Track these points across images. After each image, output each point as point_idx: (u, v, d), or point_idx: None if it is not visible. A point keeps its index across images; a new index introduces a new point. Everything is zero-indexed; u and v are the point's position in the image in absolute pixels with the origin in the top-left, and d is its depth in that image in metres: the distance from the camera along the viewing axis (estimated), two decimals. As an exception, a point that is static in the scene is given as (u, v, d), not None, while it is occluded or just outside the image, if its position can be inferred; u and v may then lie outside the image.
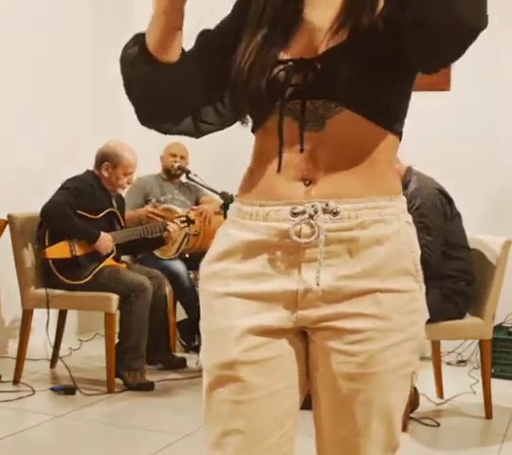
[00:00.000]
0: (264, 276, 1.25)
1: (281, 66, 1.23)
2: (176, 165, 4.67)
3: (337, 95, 1.21)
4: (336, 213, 1.22)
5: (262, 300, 1.25)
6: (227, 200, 4.31)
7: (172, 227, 4.17)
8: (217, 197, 4.48)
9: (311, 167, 1.23)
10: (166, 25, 1.21)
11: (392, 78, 1.22)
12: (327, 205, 1.22)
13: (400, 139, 1.30)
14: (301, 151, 1.23)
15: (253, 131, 1.30)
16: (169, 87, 1.25)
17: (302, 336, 1.29)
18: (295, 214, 1.22)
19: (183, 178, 4.83)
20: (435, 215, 3.23)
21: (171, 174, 4.79)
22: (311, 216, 1.21)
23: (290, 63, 1.22)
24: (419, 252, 1.30)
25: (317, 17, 1.27)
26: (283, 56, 1.24)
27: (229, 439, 1.26)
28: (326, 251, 1.22)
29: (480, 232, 3.59)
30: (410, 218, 1.30)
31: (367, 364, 1.22)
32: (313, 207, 1.21)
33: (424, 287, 1.30)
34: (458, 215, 3.36)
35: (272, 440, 1.27)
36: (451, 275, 3.28)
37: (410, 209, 3.42)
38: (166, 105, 1.29)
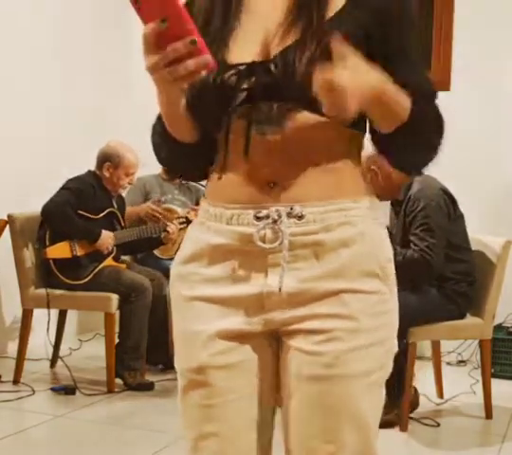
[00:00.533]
0: (229, 280, 1.25)
1: (232, 71, 1.21)
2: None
3: (291, 96, 1.18)
4: (301, 217, 1.21)
5: (228, 305, 1.25)
6: (226, 200, 4.31)
7: (171, 228, 4.17)
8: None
9: (274, 169, 1.21)
10: (171, 113, 1.24)
11: None
12: (292, 209, 1.20)
13: (364, 136, 1.28)
14: (246, 153, 1.21)
15: (215, 134, 1.28)
16: (191, 160, 1.32)
17: (273, 340, 1.28)
18: (259, 218, 1.21)
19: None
20: (439, 216, 3.21)
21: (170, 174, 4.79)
22: (275, 221, 1.20)
23: (241, 67, 1.21)
24: (390, 253, 1.28)
25: (263, 18, 1.25)
26: (234, 60, 1.22)
27: (205, 443, 1.28)
28: (292, 255, 1.21)
29: (480, 232, 3.59)
30: (379, 220, 1.28)
31: (333, 365, 1.20)
32: (277, 211, 1.20)
33: (395, 291, 1.28)
34: (461, 217, 3.34)
35: (246, 441, 1.27)
36: (453, 277, 3.27)
37: (413, 211, 3.40)
38: (190, 171, 1.38)
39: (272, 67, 1.19)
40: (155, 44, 1.06)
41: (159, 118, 1.30)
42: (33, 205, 3.83)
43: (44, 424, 3.27)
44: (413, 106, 1.18)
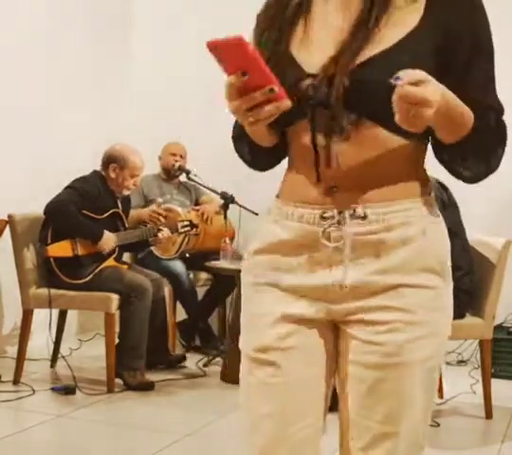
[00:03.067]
0: (298, 271, 1.35)
1: (308, 80, 1.29)
2: (177, 165, 4.67)
3: (362, 109, 1.27)
4: (364, 218, 1.30)
5: (295, 292, 1.35)
6: (227, 200, 4.32)
7: (163, 234, 4.15)
8: (217, 197, 4.50)
9: (337, 174, 1.30)
10: (252, 133, 1.36)
11: None
12: (354, 211, 1.30)
13: (427, 144, 1.36)
14: (329, 165, 1.30)
15: (285, 138, 1.39)
16: (270, 160, 1.47)
17: (333, 329, 1.37)
18: (324, 219, 1.31)
19: (182, 178, 4.83)
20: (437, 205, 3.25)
21: (170, 174, 4.80)
22: (339, 222, 1.30)
23: (317, 78, 1.28)
24: (447, 250, 1.36)
25: (336, 30, 1.31)
26: (310, 69, 1.30)
27: (263, 423, 1.36)
28: (355, 252, 1.30)
29: (480, 232, 3.59)
30: (437, 219, 1.37)
31: (393, 353, 1.29)
32: (341, 213, 1.30)
33: (451, 285, 1.36)
34: (455, 205, 3.37)
35: (300, 425, 1.35)
36: (457, 265, 3.28)
37: None
38: (267, 167, 1.51)
39: (344, 80, 1.26)
40: (237, 92, 1.17)
41: (238, 124, 1.42)
42: (33, 205, 3.83)
43: (44, 424, 3.27)
44: (477, 121, 1.25)
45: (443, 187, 3.33)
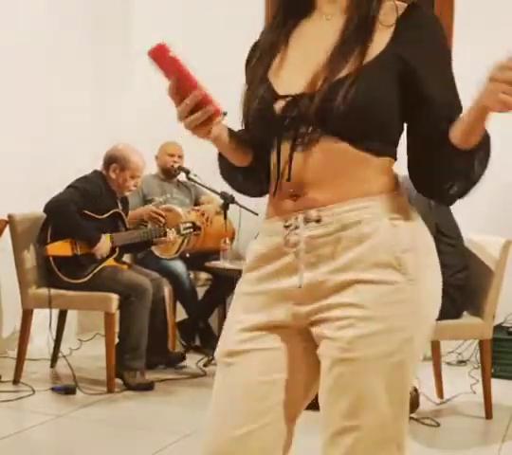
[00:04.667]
0: (272, 279, 1.42)
1: (280, 101, 1.37)
2: (177, 165, 4.67)
3: (324, 124, 1.33)
4: (318, 221, 1.34)
5: (268, 297, 1.41)
6: (227, 200, 4.32)
7: (170, 236, 4.16)
8: (217, 197, 4.50)
9: (297, 183, 1.37)
10: (220, 148, 1.46)
11: (378, 114, 1.34)
12: (308, 215, 1.35)
13: (394, 159, 1.42)
14: (289, 179, 1.37)
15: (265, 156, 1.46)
16: (249, 181, 1.54)
17: (304, 335, 1.41)
18: (286, 227, 1.38)
19: (181, 177, 4.83)
20: (420, 204, 3.27)
21: (169, 174, 4.79)
22: (297, 227, 1.37)
23: (289, 99, 1.36)
24: (407, 245, 1.35)
25: (311, 52, 1.39)
26: (283, 91, 1.38)
27: (211, 421, 1.43)
28: (315, 254, 1.35)
29: (480, 232, 3.59)
30: (400, 215, 1.37)
31: (346, 349, 1.32)
32: (296, 218, 1.36)
33: (419, 279, 1.35)
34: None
35: (250, 427, 1.38)
36: (445, 264, 3.29)
37: None
38: (257, 192, 1.57)
39: (313, 99, 1.33)
40: (176, 96, 1.27)
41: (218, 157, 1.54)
42: (33, 205, 3.83)
43: (44, 424, 3.27)
44: (488, 138, 1.38)
45: None
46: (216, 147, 1.45)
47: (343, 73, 1.32)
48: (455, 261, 3.34)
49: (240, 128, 1.49)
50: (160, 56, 1.25)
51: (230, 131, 1.44)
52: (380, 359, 1.31)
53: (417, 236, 1.38)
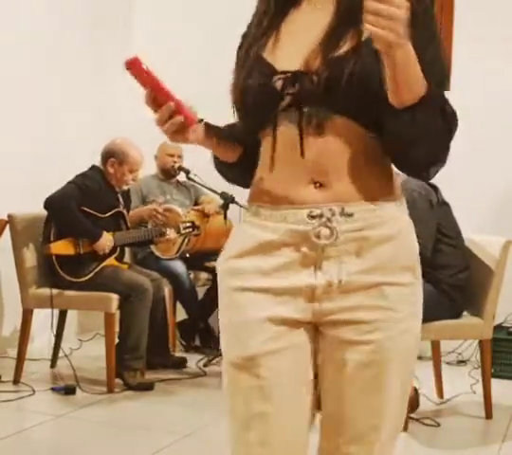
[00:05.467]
0: (282, 272, 1.35)
1: (279, 76, 1.34)
2: (177, 165, 4.67)
3: (331, 103, 1.31)
4: (350, 215, 1.32)
5: (280, 295, 1.35)
6: (227, 200, 4.31)
7: (170, 235, 4.16)
8: (217, 197, 4.49)
9: (317, 170, 1.33)
10: (207, 147, 1.45)
11: (380, 92, 1.29)
12: (343, 209, 1.32)
13: None
14: (302, 155, 1.32)
15: (257, 138, 1.41)
16: (240, 175, 1.49)
17: (314, 332, 1.39)
18: (312, 217, 1.33)
19: (180, 177, 4.83)
20: (423, 204, 3.28)
21: (169, 174, 4.79)
22: (329, 219, 1.32)
23: (288, 74, 1.33)
24: (418, 249, 1.42)
25: (307, 30, 1.38)
26: (280, 67, 1.35)
27: (255, 422, 1.37)
28: (342, 250, 1.33)
29: (480, 232, 3.59)
30: (408, 219, 1.42)
31: (376, 351, 1.34)
32: (330, 210, 1.32)
33: (421, 281, 1.42)
34: (446, 204, 3.38)
35: (293, 422, 1.38)
36: (448, 264, 3.30)
37: None
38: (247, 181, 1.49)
39: (315, 77, 1.31)
40: (152, 104, 1.34)
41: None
42: (34, 205, 3.83)
43: (44, 424, 3.27)
44: (432, 98, 1.25)
45: (431, 186, 3.36)
46: (202, 145, 1.45)
47: (342, 51, 1.32)
48: (456, 261, 3.34)
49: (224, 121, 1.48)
50: (135, 68, 1.32)
51: (215, 130, 1.43)
52: (402, 359, 1.37)
53: (416, 240, 1.43)
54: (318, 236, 1.32)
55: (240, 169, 1.47)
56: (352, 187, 1.33)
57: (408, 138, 1.28)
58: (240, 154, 1.47)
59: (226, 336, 1.42)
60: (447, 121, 1.29)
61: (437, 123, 1.27)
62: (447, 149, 1.32)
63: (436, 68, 1.31)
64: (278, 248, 1.35)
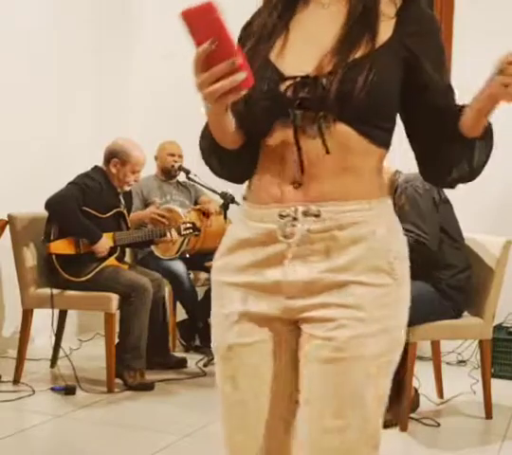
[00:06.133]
0: (253, 269, 1.41)
1: (287, 82, 1.34)
2: (177, 165, 4.67)
3: (340, 110, 1.32)
4: (317, 216, 1.35)
5: (252, 290, 1.41)
6: (227, 200, 4.31)
7: (171, 236, 4.16)
8: (217, 197, 4.49)
9: (300, 171, 1.35)
10: (217, 124, 1.37)
11: (389, 101, 1.36)
12: (308, 209, 1.35)
13: (388, 150, 1.42)
14: (301, 164, 1.34)
15: (259, 141, 1.41)
16: (238, 166, 1.46)
17: (293, 326, 1.42)
18: (282, 216, 1.37)
19: (180, 177, 4.83)
20: (426, 200, 3.29)
21: (169, 175, 4.79)
22: (294, 218, 1.36)
23: (297, 79, 1.34)
24: (401, 251, 1.40)
25: (317, 36, 1.38)
26: (289, 72, 1.35)
27: (233, 410, 1.45)
28: (310, 249, 1.36)
29: (480, 232, 3.59)
30: (392, 220, 1.41)
31: (340, 349, 1.34)
32: (296, 210, 1.35)
33: (407, 284, 1.41)
34: (448, 202, 3.38)
35: (270, 414, 1.43)
36: (450, 265, 3.30)
37: (402, 201, 3.50)
38: (240, 177, 1.50)
39: (324, 82, 1.31)
40: (204, 63, 1.19)
41: (208, 124, 1.42)
42: (33, 205, 3.84)
43: (44, 424, 3.27)
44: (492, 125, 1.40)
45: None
46: (214, 124, 1.37)
47: (356, 56, 1.32)
48: (457, 261, 3.34)
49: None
50: (201, 17, 1.15)
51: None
52: (372, 359, 1.34)
53: (403, 244, 1.42)
54: (284, 235, 1.36)
55: (238, 156, 1.43)
56: (326, 187, 1.35)
57: (463, 162, 1.40)
58: (242, 142, 1.42)
59: (212, 327, 1.50)
60: (491, 144, 1.42)
61: (491, 148, 1.43)
62: (482, 168, 1.44)
63: (451, 89, 1.43)
64: (253, 246, 1.40)
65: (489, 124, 1.38)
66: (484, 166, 1.42)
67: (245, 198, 1.46)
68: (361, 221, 1.35)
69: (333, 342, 1.34)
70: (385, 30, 1.36)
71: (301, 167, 1.34)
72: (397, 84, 1.35)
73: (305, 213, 1.35)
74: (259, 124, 1.38)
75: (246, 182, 1.47)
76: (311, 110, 1.32)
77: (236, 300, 1.42)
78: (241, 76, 1.17)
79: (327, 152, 1.33)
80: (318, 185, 1.35)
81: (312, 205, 1.34)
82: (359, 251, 1.35)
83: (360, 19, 1.36)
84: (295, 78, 1.34)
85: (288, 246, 1.36)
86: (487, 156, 1.42)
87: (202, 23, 1.16)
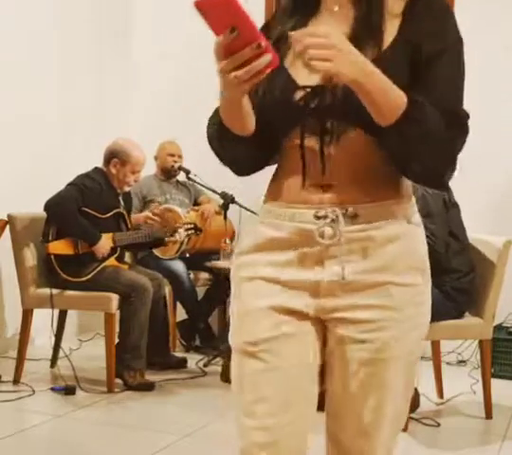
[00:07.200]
0: (289, 267, 1.41)
1: (300, 92, 1.37)
2: (177, 165, 4.67)
3: (350, 117, 1.34)
4: (354, 217, 1.37)
5: (286, 287, 1.41)
6: (226, 200, 4.32)
7: (179, 236, 4.17)
8: (217, 197, 4.50)
9: (328, 176, 1.38)
10: (231, 110, 1.37)
11: None
12: (347, 210, 1.37)
13: None
14: (323, 170, 1.37)
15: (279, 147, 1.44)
16: (248, 154, 1.46)
17: (321, 326, 1.43)
18: (318, 217, 1.38)
19: (180, 177, 4.83)
20: (437, 202, 3.28)
21: (169, 174, 4.79)
22: (333, 220, 1.37)
23: (308, 89, 1.36)
24: (426, 249, 1.43)
25: None
26: (301, 82, 1.37)
27: (258, 406, 1.40)
28: (346, 249, 1.37)
29: (480, 232, 3.59)
30: (418, 219, 1.44)
31: (381, 350, 1.37)
32: (334, 212, 1.37)
33: (430, 281, 1.45)
34: (456, 205, 3.38)
35: (296, 409, 1.40)
36: (455, 269, 3.30)
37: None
38: (248, 167, 1.50)
39: (335, 90, 1.33)
40: (226, 50, 1.18)
41: (217, 110, 1.42)
42: (33, 205, 3.83)
43: (44, 424, 3.27)
44: (416, 111, 1.28)
45: None
46: (228, 110, 1.36)
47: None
48: (462, 266, 3.33)
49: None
50: (216, 3, 1.12)
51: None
52: (406, 358, 1.40)
53: (425, 242, 1.45)
54: (322, 236, 1.37)
55: (248, 145, 1.43)
56: (358, 189, 1.37)
57: (403, 154, 1.32)
58: (253, 129, 1.41)
59: (233, 324, 1.46)
60: (447, 132, 1.30)
61: (430, 135, 1.29)
62: (450, 158, 1.35)
63: (450, 89, 1.35)
64: (286, 245, 1.41)
65: (409, 110, 1.28)
66: (432, 151, 1.31)
67: (268, 199, 1.47)
68: (394, 221, 1.38)
69: (373, 344, 1.37)
70: (392, 29, 1.35)
71: (323, 170, 1.37)
72: (406, 85, 1.32)
73: (344, 215, 1.36)
74: (275, 130, 1.41)
75: (269, 183, 1.48)
76: (325, 118, 1.35)
77: (267, 292, 1.41)
78: (267, 58, 1.16)
79: (340, 157, 1.35)
80: (347, 188, 1.37)
81: (348, 206, 1.37)
82: (395, 251, 1.37)
83: (366, 23, 1.36)
84: (307, 87, 1.36)
85: (326, 247, 1.38)
86: (423, 138, 1.29)
87: (218, 9, 1.13)
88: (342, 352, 1.40)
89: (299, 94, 1.37)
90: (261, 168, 1.50)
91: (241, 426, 1.42)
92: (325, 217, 1.37)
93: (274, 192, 1.46)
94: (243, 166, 1.50)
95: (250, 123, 1.39)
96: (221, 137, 1.44)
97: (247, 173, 1.52)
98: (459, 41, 1.38)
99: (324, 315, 1.40)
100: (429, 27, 1.34)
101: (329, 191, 1.38)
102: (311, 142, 1.38)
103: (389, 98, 1.26)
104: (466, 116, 1.34)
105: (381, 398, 1.40)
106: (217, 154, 1.49)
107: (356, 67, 1.21)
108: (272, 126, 1.41)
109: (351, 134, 1.35)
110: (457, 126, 1.32)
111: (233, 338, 1.45)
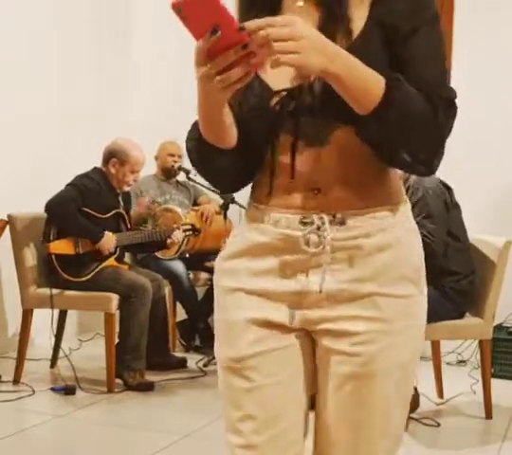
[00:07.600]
0: (272, 276, 1.33)
1: (276, 97, 1.28)
2: (177, 165, 4.67)
3: (333, 115, 1.26)
4: (342, 224, 1.29)
5: (269, 298, 1.34)
6: (227, 200, 4.31)
7: (177, 237, 4.17)
8: (217, 197, 4.50)
9: (319, 178, 1.30)
10: (211, 120, 1.27)
11: None
12: (334, 217, 1.29)
13: None
14: (293, 171, 1.29)
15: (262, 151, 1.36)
16: (230, 169, 1.36)
17: (307, 338, 1.36)
18: (304, 224, 1.30)
19: (179, 177, 4.83)
20: (437, 203, 3.28)
21: (169, 174, 4.79)
22: (319, 227, 1.29)
23: (284, 93, 1.28)
24: (422, 257, 1.36)
25: None
26: (275, 85, 1.29)
27: (244, 424, 1.35)
28: (332, 258, 1.29)
29: (480, 232, 3.59)
30: (413, 225, 1.36)
31: (368, 363, 1.29)
32: (321, 218, 1.29)
33: (425, 291, 1.38)
34: (457, 206, 3.38)
35: (282, 426, 1.34)
36: (455, 271, 3.29)
37: (412, 200, 3.48)
38: (230, 182, 1.42)
39: (310, 90, 1.26)
40: (208, 54, 1.09)
41: (196, 124, 1.34)
42: (33, 205, 3.84)
43: (44, 424, 3.27)
44: (395, 92, 1.19)
45: (446, 187, 3.34)
46: (210, 119, 1.27)
47: None
48: (462, 268, 3.32)
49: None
50: (195, 4, 1.03)
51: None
52: (397, 372, 1.32)
53: (421, 248, 1.38)
54: (307, 243, 1.29)
55: (230, 159, 1.34)
56: (347, 194, 1.29)
57: (387, 143, 1.24)
58: (235, 142, 1.33)
59: (217, 335, 1.41)
60: (430, 112, 1.21)
61: (410, 117, 1.20)
62: (437, 141, 1.25)
63: (430, 66, 1.25)
64: (268, 251, 1.33)
65: (388, 96, 1.19)
66: (415, 137, 1.23)
67: (252, 203, 1.39)
68: (387, 228, 1.30)
69: (359, 357, 1.29)
70: (360, 15, 1.27)
71: (292, 173, 1.30)
72: (386, 70, 1.22)
73: (331, 222, 1.29)
74: (256, 137, 1.32)
75: (253, 184, 1.40)
76: (306, 119, 1.27)
77: (249, 305, 1.34)
78: (255, 59, 1.08)
79: (328, 159, 1.28)
80: (337, 192, 1.29)
81: (336, 212, 1.29)
82: (384, 260, 1.29)
83: (331, 14, 1.26)
84: (282, 91, 1.28)
85: (311, 255, 1.29)
86: (403, 120, 1.20)
87: (200, 11, 1.04)
88: (327, 364, 1.33)
89: (275, 100, 1.29)
90: (244, 184, 1.41)
91: (228, 443, 1.39)
92: (311, 223, 1.29)
93: (261, 196, 1.36)
94: (224, 181, 1.42)
95: (232, 135, 1.31)
96: (201, 151, 1.35)
97: (231, 190, 1.44)
98: (435, 17, 1.27)
99: (310, 326, 1.33)
100: (401, 5, 1.25)
101: (317, 195, 1.30)
102: (289, 143, 1.29)
103: (364, 83, 1.17)
104: (452, 94, 1.26)
105: (364, 416, 1.31)
106: (197, 168, 1.40)
107: (323, 54, 1.12)
108: (253, 138, 1.33)
109: (338, 133, 1.27)
110: (441, 106, 1.23)
111: (218, 353, 1.39)
